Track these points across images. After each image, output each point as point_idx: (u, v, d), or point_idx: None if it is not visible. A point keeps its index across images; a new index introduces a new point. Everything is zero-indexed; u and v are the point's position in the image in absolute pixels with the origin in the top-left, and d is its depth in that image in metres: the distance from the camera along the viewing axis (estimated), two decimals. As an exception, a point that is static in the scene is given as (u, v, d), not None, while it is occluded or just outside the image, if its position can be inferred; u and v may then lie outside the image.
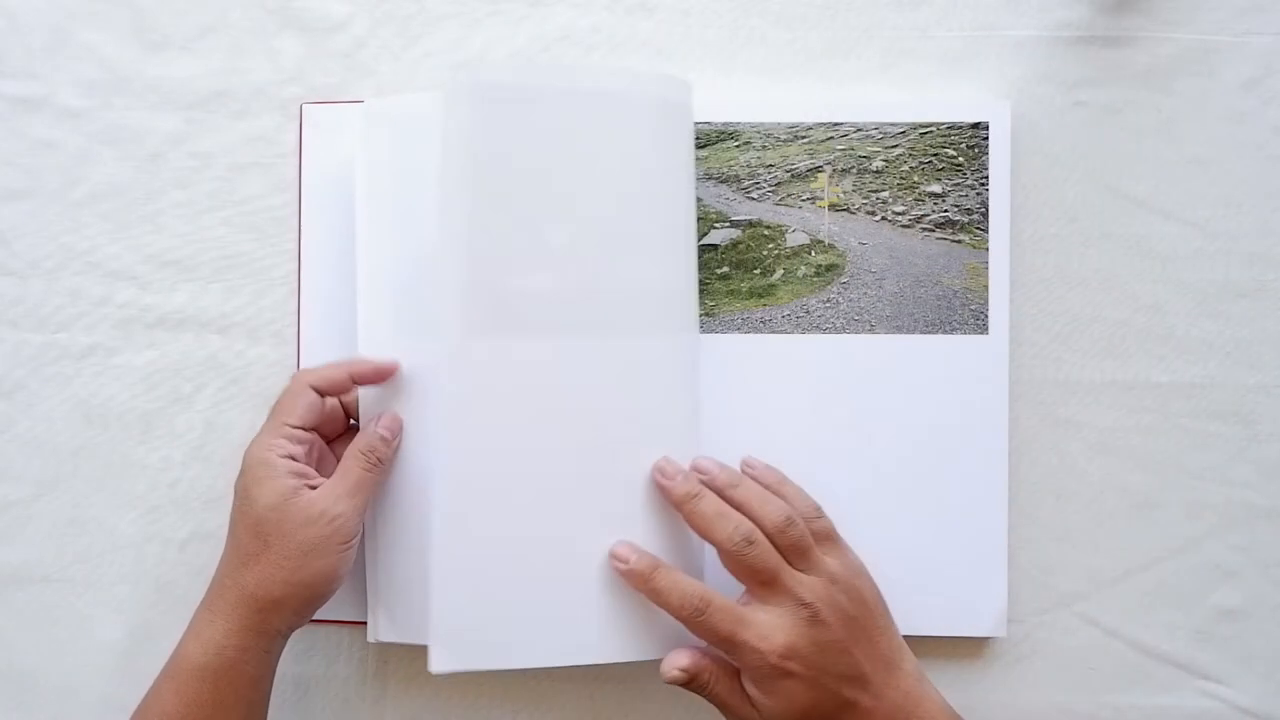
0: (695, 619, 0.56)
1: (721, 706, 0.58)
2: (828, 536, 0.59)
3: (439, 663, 0.58)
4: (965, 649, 0.65)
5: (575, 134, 0.59)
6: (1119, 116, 0.65)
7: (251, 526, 0.57)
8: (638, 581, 0.57)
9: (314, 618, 0.61)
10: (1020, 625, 0.65)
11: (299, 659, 0.66)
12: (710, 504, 0.58)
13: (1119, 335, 0.65)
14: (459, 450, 0.59)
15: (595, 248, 0.60)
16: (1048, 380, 0.65)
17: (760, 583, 0.56)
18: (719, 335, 0.64)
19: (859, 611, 0.57)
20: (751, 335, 0.64)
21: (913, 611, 0.63)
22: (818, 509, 0.59)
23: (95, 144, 0.67)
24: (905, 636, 0.61)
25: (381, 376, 0.61)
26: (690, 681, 0.57)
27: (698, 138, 0.64)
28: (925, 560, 0.63)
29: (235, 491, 0.58)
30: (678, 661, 0.57)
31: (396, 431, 0.61)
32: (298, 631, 0.59)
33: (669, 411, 0.61)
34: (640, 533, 0.59)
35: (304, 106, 0.66)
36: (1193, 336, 0.65)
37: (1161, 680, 0.65)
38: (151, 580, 0.67)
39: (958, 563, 0.63)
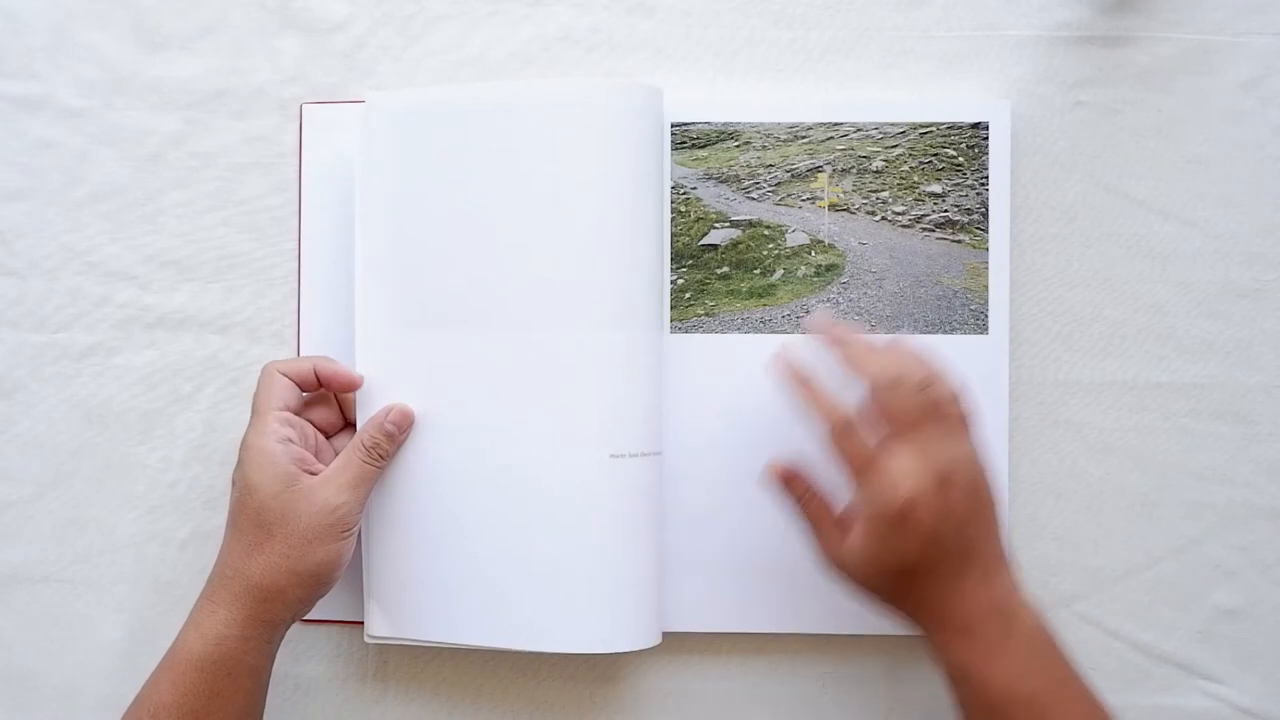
0: (841, 427, 0.55)
1: (811, 524, 0.58)
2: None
3: (374, 628, 0.62)
4: (965, 649, 0.65)
5: (497, 147, 0.60)
6: (1119, 116, 0.65)
7: (254, 516, 0.57)
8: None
9: (313, 618, 0.61)
10: (1020, 625, 0.65)
11: (298, 659, 0.66)
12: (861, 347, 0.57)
13: (1119, 335, 0.65)
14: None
15: (523, 249, 0.60)
16: (1048, 380, 0.65)
17: (932, 419, 0.54)
18: (719, 335, 0.64)
19: (983, 498, 0.55)
20: (751, 335, 0.64)
21: (913, 611, 0.63)
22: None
23: (95, 144, 0.67)
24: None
25: (344, 385, 0.61)
26: (789, 483, 0.58)
27: (697, 138, 0.64)
28: (925, 560, 0.63)
29: (234, 483, 0.58)
30: (784, 460, 0.59)
31: (405, 427, 0.61)
32: (296, 632, 0.59)
33: (617, 408, 0.61)
34: (581, 527, 0.60)
35: (304, 106, 0.66)
36: (1193, 336, 0.65)
37: (1161, 680, 0.65)
38: (151, 580, 0.67)
39: (958, 563, 0.63)
